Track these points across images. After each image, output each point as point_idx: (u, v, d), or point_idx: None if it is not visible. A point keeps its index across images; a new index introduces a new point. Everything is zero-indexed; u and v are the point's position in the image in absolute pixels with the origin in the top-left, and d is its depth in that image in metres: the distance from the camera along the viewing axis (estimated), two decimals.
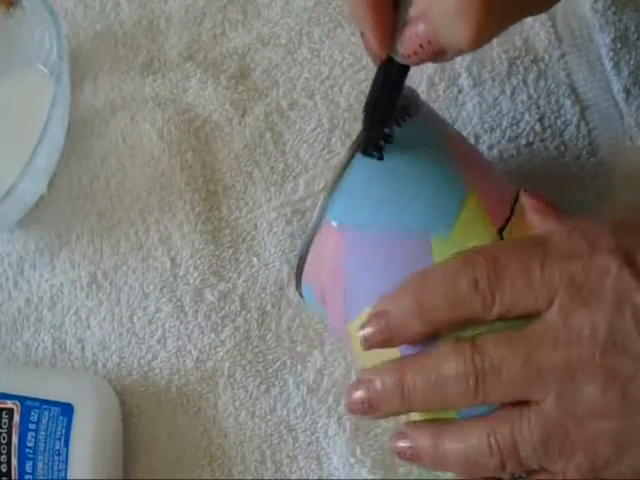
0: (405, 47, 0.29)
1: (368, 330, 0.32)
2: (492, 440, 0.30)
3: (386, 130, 0.33)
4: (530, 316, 0.30)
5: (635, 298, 0.28)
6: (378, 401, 0.32)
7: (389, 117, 0.33)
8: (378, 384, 0.32)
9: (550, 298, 0.29)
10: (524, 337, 0.30)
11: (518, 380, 0.29)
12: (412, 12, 0.28)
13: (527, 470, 0.30)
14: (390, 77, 0.32)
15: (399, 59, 0.30)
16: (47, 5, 0.44)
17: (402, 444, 0.32)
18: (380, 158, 0.32)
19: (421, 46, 0.28)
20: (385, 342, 0.31)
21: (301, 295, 0.36)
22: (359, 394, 0.32)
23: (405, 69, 0.31)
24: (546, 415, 0.29)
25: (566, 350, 0.29)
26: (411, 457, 0.32)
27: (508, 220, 0.32)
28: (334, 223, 0.32)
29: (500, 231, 0.32)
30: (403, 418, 0.33)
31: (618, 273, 0.29)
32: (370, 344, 0.32)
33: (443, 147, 0.34)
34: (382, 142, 0.33)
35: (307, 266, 0.34)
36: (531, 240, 0.31)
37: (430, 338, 0.31)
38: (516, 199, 0.33)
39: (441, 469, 0.32)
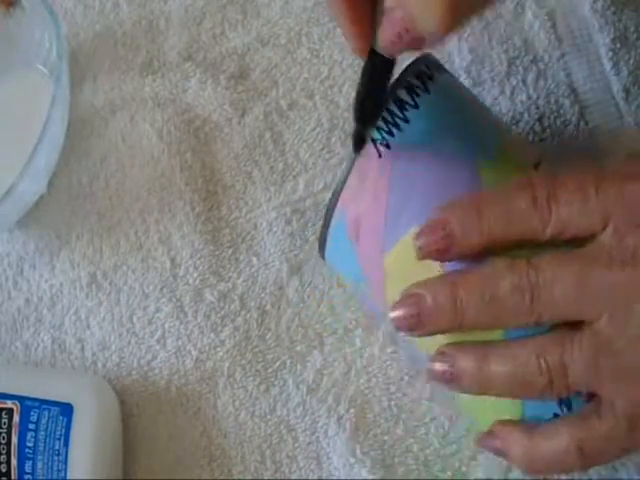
0: (384, 38, 0.29)
1: (425, 238, 0.31)
2: (541, 361, 0.29)
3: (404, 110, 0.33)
4: (584, 241, 0.30)
5: None
6: (428, 316, 0.31)
7: (380, 110, 0.33)
8: (429, 299, 0.31)
9: (605, 219, 0.29)
10: (579, 256, 0.30)
11: (572, 297, 0.29)
12: (388, 2, 0.29)
13: (575, 393, 0.30)
14: (376, 70, 0.32)
15: (381, 50, 0.30)
16: (47, 5, 0.44)
17: (440, 366, 0.31)
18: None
19: (399, 35, 0.28)
20: (440, 252, 0.31)
21: (323, 245, 0.35)
22: (407, 309, 0.31)
23: (390, 61, 0.31)
24: (598, 336, 0.29)
25: (620, 270, 0.29)
26: (450, 378, 0.31)
27: (539, 163, 0.33)
28: (381, 143, 0.32)
29: (536, 166, 0.33)
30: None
31: None
32: (424, 253, 0.31)
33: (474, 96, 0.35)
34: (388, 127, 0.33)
35: (346, 190, 0.33)
36: (587, 163, 0.31)
37: (484, 257, 0.31)
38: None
39: (483, 391, 0.31)
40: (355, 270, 0.34)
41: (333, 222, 0.34)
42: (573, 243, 0.30)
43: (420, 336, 0.32)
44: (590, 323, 0.29)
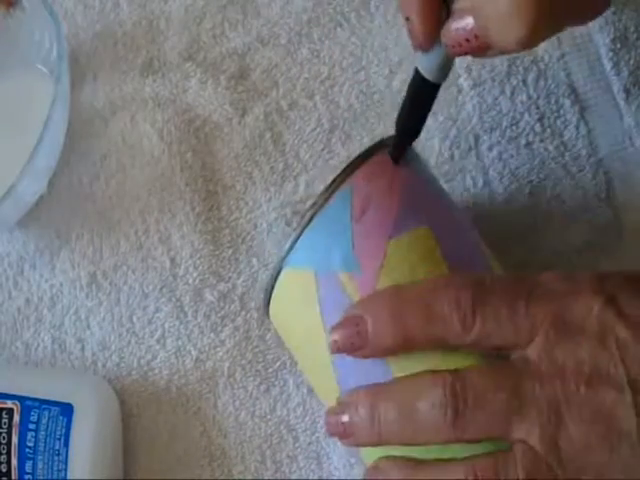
0: (450, 38, 0.28)
1: (339, 332, 0.31)
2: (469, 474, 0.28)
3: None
4: (506, 351, 0.29)
5: (619, 331, 0.28)
6: (350, 430, 0.31)
7: (419, 130, 0.33)
8: (351, 412, 0.31)
9: (532, 334, 0.29)
10: (508, 369, 0.29)
11: (502, 414, 0.28)
12: (460, 3, 0.28)
13: None
14: (420, 92, 0.32)
15: (444, 47, 0.29)
16: (47, 5, 0.44)
17: (376, 478, 0.31)
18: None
19: (467, 40, 0.28)
20: (355, 349, 0.30)
21: (331, 187, 0.33)
22: (335, 417, 0.31)
23: (436, 86, 0.32)
24: (531, 452, 0.28)
25: (551, 384, 0.28)
26: None
27: None
28: None
29: None
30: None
31: (601, 310, 0.29)
32: (339, 348, 0.31)
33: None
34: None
35: (367, 166, 0.33)
36: (517, 276, 0.31)
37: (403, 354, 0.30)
38: None
39: None
40: (343, 253, 0.32)
41: (342, 187, 0.33)
42: (497, 348, 0.29)
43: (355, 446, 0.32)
44: (519, 440, 0.28)
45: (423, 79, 0.31)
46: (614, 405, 0.28)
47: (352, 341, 0.30)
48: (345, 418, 0.31)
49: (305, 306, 0.33)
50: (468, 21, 0.28)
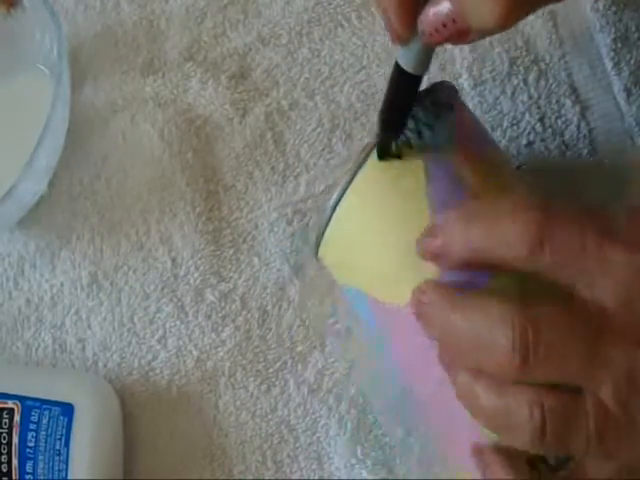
0: (427, 24, 0.28)
1: (423, 241, 0.31)
2: (536, 407, 0.27)
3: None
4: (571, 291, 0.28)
5: None
6: (425, 317, 0.30)
7: (403, 124, 0.33)
8: (429, 320, 0.30)
9: (604, 274, 0.27)
10: (583, 315, 0.28)
11: (573, 366, 0.27)
12: None
13: (561, 455, 0.29)
14: (402, 84, 0.32)
15: (421, 38, 0.29)
16: (47, 5, 0.44)
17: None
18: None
19: (444, 25, 0.28)
20: (435, 257, 0.30)
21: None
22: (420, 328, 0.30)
23: (417, 78, 0.31)
24: (603, 405, 0.27)
25: (627, 344, 0.27)
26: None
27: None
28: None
29: None
30: None
31: None
32: (423, 254, 0.31)
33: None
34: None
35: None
36: (588, 209, 0.29)
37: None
38: None
39: (468, 409, 0.30)
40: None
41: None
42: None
43: None
44: (591, 392, 0.27)
45: (403, 72, 0.31)
46: None
47: (432, 252, 0.30)
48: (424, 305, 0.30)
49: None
50: (444, 5, 0.27)
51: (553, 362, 0.27)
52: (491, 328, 0.28)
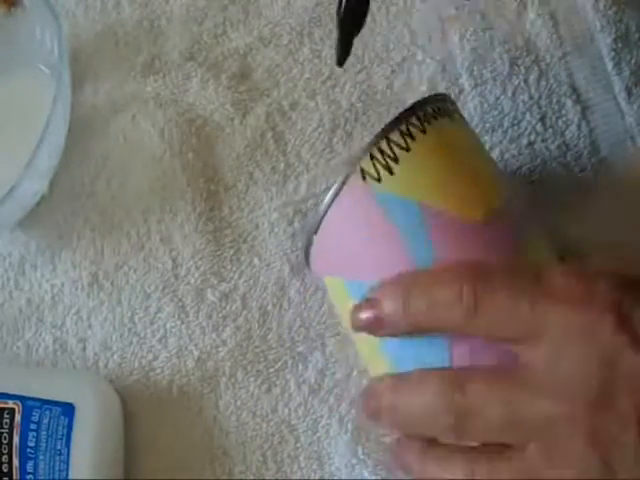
0: None
1: (359, 314, 0.32)
2: (468, 474, 0.29)
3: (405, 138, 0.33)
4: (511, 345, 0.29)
5: (628, 356, 0.27)
6: (367, 406, 0.33)
7: (362, 21, 0.33)
8: (372, 399, 0.33)
9: (536, 336, 0.28)
10: (509, 379, 0.29)
11: (498, 425, 0.28)
12: None
13: None
14: None
15: None
16: (48, 5, 0.44)
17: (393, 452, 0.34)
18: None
19: None
20: (372, 329, 0.32)
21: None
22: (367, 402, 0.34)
23: None
24: (526, 463, 0.28)
25: (553, 401, 0.28)
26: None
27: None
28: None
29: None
30: None
31: (613, 329, 0.27)
32: (359, 326, 0.32)
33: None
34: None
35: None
36: (526, 268, 0.30)
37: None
38: None
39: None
40: None
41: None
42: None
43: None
44: (517, 449, 0.28)
45: None
46: (615, 433, 0.27)
47: (369, 323, 0.32)
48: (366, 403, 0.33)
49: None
50: None
51: (480, 424, 0.29)
52: (425, 399, 0.31)
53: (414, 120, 0.33)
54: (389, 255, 0.32)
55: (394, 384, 0.32)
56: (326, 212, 0.33)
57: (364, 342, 0.34)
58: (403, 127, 0.32)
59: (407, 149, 0.32)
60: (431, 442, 0.32)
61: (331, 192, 0.33)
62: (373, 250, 0.33)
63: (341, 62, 0.33)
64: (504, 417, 0.28)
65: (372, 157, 0.32)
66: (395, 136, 0.32)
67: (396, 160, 0.32)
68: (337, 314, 0.37)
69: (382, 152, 0.32)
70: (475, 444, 0.30)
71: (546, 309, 0.28)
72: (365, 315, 0.32)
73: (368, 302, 0.32)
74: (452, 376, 0.30)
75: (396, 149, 0.32)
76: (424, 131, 0.33)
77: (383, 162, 0.32)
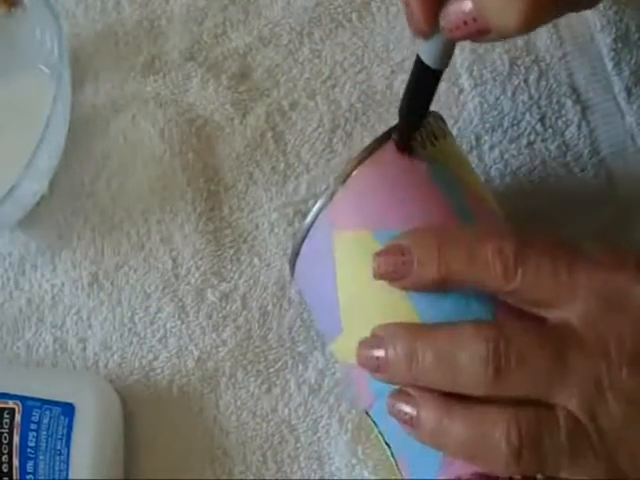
0: (448, 21, 0.28)
1: (383, 259, 0.31)
2: (512, 429, 0.28)
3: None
4: (544, 308, 0.29)
5: None
6: (385, 366, 0.30)
7: (423, 118, 0.33)
8: (389, 351, 0.30)
9: (573, 297, 0.28)
10: (551, 331, 0.29)
11: (544, 377, 0.28)
12: None
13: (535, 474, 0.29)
14: (423, 78, 0.32)
15: (442, 32, 0.29)
16: (48, 5, 0.44)
17: (404, 408, 0.30)
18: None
19: (465, 22, 0.28)
20: (395, 277, 0.30)
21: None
22: (369, 351, 0.31)
23: (438, 72, 0.31)
24: (573, 418, 0.28)
25: (594, 358, 0.28)
26: (410, 425, 0.30)
27: None
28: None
29: None
30: None
31: None
32: (382, 275, 0.31)
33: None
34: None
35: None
36: (560, 240, 0.30)
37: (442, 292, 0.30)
38: None
39: (438, 448, 0.30)
40: None
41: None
42: (536, 303, 0.29)
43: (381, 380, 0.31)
44: (560, 405, 0.28)
45: (425, 66, 0.31)
46: None
47: (395, 269, 0.30)
48: (380, 353, 0.30)
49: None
50: (466, 3, 0.27)
51: (525, 373, 0.28)
52: (466, 344, 0.28)
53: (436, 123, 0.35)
54: (432, 209, 0.32)
55: (416, 329, 0.30)
56: (360, 163, 0.33)
57: (381, 299, 0.32)
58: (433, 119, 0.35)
59: (437, 139, 0.34)
60: (452, 396, 0.29)
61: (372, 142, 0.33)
62: (412, 204, 0.33)
63: (402, 150, 0.33)
64: (551, 367, 0.28)
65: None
66: (433, 119, 0.35)
67: (436, 138, 0.34)
68: (345, 281, 0.33)
69: (425, 127, 0.34)
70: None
71: (582, 273, 0.29)
72: (392, 259, 0.31)
73: (396, 246, 0.31)
74: (491, 325, 0.29)
75: (436, 130, 0.34)
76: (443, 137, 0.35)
77: (424, 134, 0.34)
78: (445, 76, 0.43)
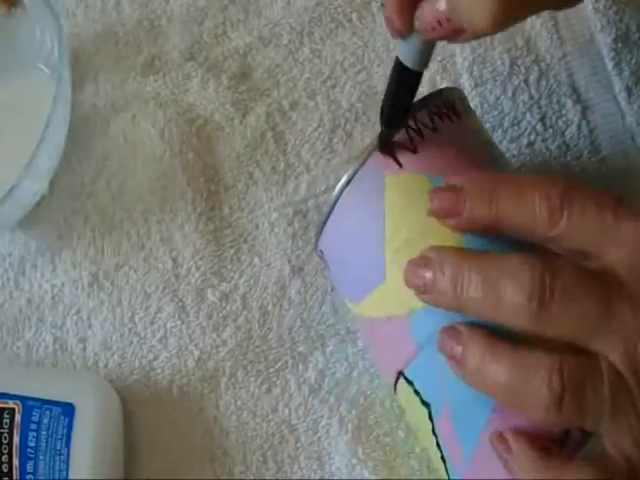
0: (423, 22, 0.29)
1: (438, 195, 0.31)
2: (555, 374, 0.27)
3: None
4: (588, 256, 0.29)
5: None
6: (431, 288, 0.30)
7: (405, 120, 0.33)
8: (436, 272, 0.29)
9: (618, 245, 0.28)
10: (599, 276, 0.28)
11: (588, 318, 0.27)
12: None
13: (578, 428, 0.28)
14: (403, 79, 0.32)
15: (418, 32, 0.30)
16: (48, 5, 0.44)
17: (454, 345, 0.29)
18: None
19: (439, 23, 0.28)
20: (449, 213, 0.30)
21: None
22: (418, 270, 0.30)
23: (417, 74, 0.32)
24: (615, 369, 0.27)
25: (638, 309, 0.27)
26: (455, 362, 0.29)
27: None
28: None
29: None
30: None
31: None
32: (436, 211, 0.31)
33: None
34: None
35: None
36: (604, 190, 0.30)
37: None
38: None
39: (480, 389, 0.29)
40: None
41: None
42: (581, 250, 0.29)
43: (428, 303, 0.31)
44: (602, 355, 0.27)
45: (404, 67, 0.31)
46: None
47: (450, 206, 0.30)
48: (429, 275, 0.30)
49: None
50: (440, 4, 0.28)
51: (569, 311, 0.27)
52: (512, 272, 0.28)
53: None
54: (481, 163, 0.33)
55: (465, 254, 0.30)
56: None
57: (433, 243, 0.31)
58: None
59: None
60: (499, 336, 0.29)
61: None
62: (466, 164, 0.33)
63: (383, 151, 0.33)
64: (598, 310, 0.27)
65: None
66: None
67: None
68: (395, 224, 0.32)
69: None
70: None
71: (628, 221, 0.28)
72: (447, 194, 0.31)
73: (450, 187, 0.31)
74: (539, 257, 0.28)
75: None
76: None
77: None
78: (445, 76, 0.43)
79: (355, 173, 0.33)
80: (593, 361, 0.27)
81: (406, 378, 0.33)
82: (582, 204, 0.28)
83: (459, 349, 0.29)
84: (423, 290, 0.30)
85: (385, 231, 0.32)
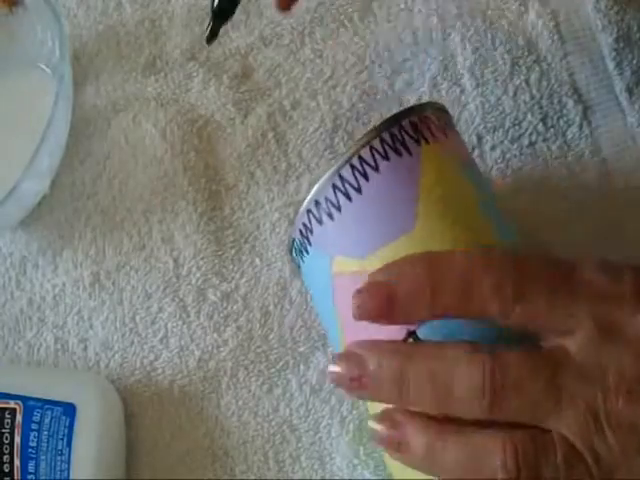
0: None
1: (365, 296, 0.29)
2: (509, 455, 0.27)
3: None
4: (542, 336, 0.29)
5: None
6: (368, 383, 0.29)
7: (233, 10, 0.38)
8: (374, 364, 0.28)
9: (572, 327, 0.28)
10: (548, 357, 0.28)
11: (540, 404, 0.27)
12: None
13: None
14: None
15: None
16: (50, 5, 0.44)
17: (390, 432, 0.29)
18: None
19: None
20: (382, 315, 0.28)
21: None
22: (348, 368, 0.29)
23: None
24: (569, 444, 0.27)
25: (592, 387, 0.27)
26: (397, 450, 0.29)
27: None
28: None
29: None
30: None
31: None
32: (362, 313, 0.29)
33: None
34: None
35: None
36: (557, 261, 0.29)
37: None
38: None
39: (431, 473, 0.29)
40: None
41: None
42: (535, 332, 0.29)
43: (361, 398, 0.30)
44: (557, 431, 0.28)
45: None
46: None
47: (380, 308, 0.28)
48: (368, 368, 0.29)
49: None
50: None
51: (521, 401, 0.27)
52: (462, 372, 0.28)
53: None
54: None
55: (406, 349, 0.29)
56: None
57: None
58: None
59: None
60: (439, 419, 0.28)
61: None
62: None
63: (210, 41, 0.39)
64: (545, 394, 0.27)
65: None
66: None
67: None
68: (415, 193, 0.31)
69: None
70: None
71: (582, 305, 0.28)
72: (376, 299, 0.29)
73: (380, 284, 0.29)
74: (487, 354, 0.28)
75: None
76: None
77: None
78: (447, 76, 0.43)
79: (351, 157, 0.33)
80: (546, 436, 0.28)
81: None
82: (535, 296, 0.28)
83: (403, 438, 0.29)
84: (357, 387, 0.29)
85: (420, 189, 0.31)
